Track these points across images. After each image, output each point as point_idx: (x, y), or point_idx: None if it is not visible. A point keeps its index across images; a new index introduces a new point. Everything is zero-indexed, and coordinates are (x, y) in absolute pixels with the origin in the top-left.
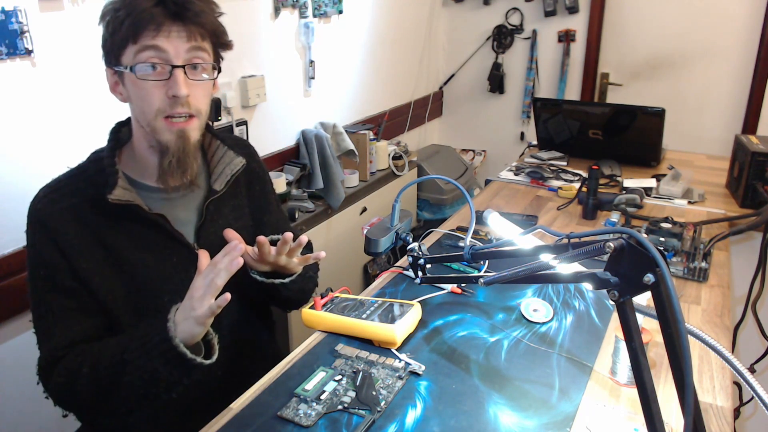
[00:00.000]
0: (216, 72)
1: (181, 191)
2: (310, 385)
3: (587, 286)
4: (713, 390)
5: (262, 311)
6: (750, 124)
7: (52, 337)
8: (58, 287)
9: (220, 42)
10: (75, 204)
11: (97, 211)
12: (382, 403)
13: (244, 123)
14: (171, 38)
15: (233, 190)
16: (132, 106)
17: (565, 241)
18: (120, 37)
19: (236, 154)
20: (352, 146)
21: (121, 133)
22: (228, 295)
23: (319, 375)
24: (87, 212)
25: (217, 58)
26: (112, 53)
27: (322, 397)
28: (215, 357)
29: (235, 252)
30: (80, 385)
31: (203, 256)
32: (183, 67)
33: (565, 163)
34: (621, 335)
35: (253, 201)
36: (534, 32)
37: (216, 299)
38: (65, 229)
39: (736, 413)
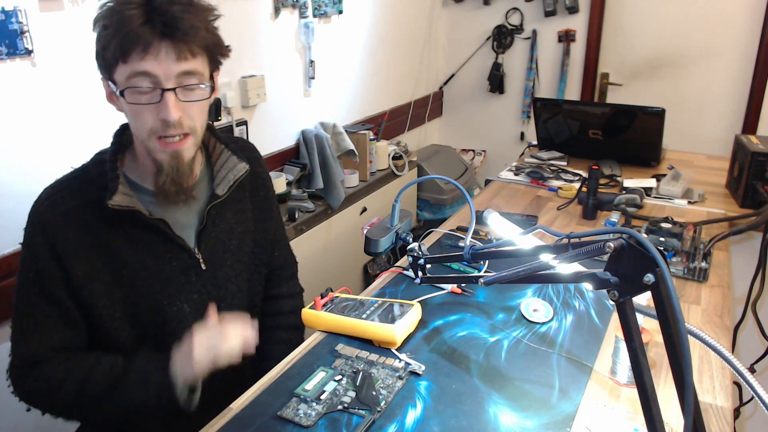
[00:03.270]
0: (210, 90)
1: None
2: (310, 385)
3: (587, 286)
4: (713, 390)
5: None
6: (750, 124)
7: (29, 341)
8: (44, 294)
9: (216, 54)
10: (77, 207)
11: (98, 214)
12: (382, 403)
13: (244, 123)
14: (160, 59)
15: (237, 194)
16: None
17: (565, 241)
18: (109, 55)
19: (240, 159)
20: (352, 146)
21: (124, 135)
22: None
23: (319, 375)
24: (88, 215)
25: (216, 67)
26: (105, 68)
27: (322, 397)
28: (195, 404)
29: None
30: (62, 395)
31: (213, 310)
32: (173, 90)
33: (565, 163)
34: (621, 335)
35: (257, 206)
36: (534, 32)
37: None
38: (65, 233)
39: (736, 413)
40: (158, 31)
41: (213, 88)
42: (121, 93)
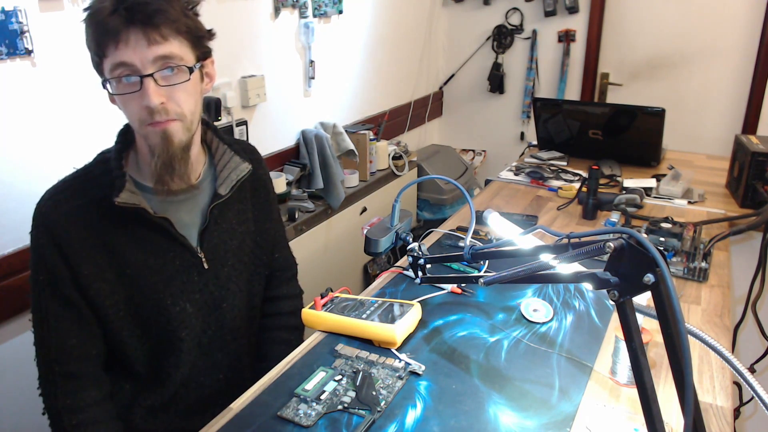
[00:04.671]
0: (190, 72)
1: (183, 194)
2: (310, 385)
3: (587, 286)
4: (713, 390)
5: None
6: (750, 124)
7: (49, 347)
8: (57, 295)
9: (194, 35)
10: (80, 206)
11: (101, 213)
12: (382, 403)
13: (244, 123)
14: (131, 46)
15: (238, 195)
16: None
17: (565, 241)
18: (93, 53)
19: (243, 159)
20: (352, 146)
21: (128, 134)
22: None
23: (319, 375)
24: (92, 214)
25: (203, 51)
26: (98, 70)
27: (322, 397)
28: None
29: None
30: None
31: None
32: (152, 75)
33: (565, 163)
34: (621, 335)
35: (257, 207)
36: (534, 32)
37: None
38: (69, 233)
39: (736, 413)
40: (124, 18)
41: (203, 74)
42: (104, 86)
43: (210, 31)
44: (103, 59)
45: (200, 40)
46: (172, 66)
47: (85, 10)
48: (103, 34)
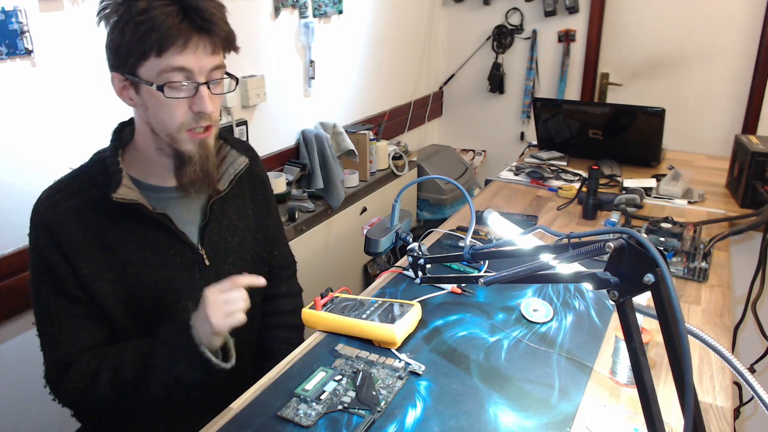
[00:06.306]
0: (234, 82)
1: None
2: (310, 385)
3: (587, 286)
4: (713, 390)
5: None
6: (750, 124)
7: (60, 344)
8: (64, 293)
9: (231, 48)
10: (78, 205)
11: (100, 212)
12: (382, 403)
13: (244, 123)
14: (197, 54)
15: (237, 191)
16: (143, 112)
17: (565, 241)
18: (141, 49)
19: (239, 153)
20: (352, 146)
21: (123, 133)
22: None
23: (319, 375)
24: (90, 213)
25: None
26: (126, 62)
27: (322, 397)
28: (233, 361)
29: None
30: (99, 389)
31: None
32: (207, 84)
33: (565, 163)
34: (621, 335)
35: (257, 204)
36: (534, 32)
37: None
38: (68, 232)
39: (736, 413)
40: (197, 26)
41: (237, 82)
42: (159, 88)
43: (238, 46)
44: (151, 59)
45: (229, 51)
46: (220, 77)
47: (127, 4)
48: (172, 37)
